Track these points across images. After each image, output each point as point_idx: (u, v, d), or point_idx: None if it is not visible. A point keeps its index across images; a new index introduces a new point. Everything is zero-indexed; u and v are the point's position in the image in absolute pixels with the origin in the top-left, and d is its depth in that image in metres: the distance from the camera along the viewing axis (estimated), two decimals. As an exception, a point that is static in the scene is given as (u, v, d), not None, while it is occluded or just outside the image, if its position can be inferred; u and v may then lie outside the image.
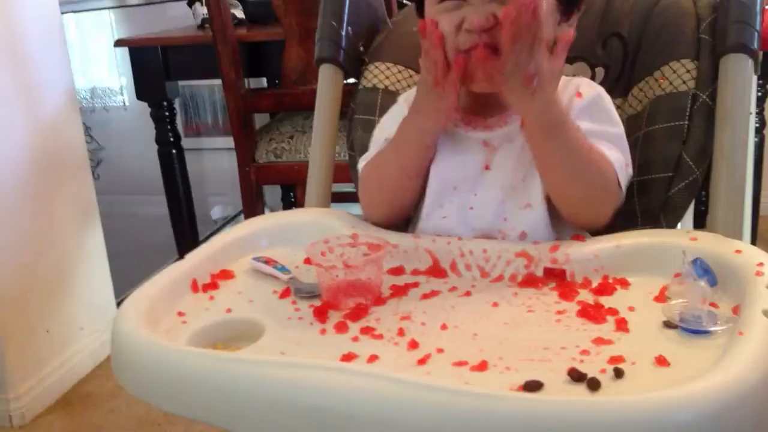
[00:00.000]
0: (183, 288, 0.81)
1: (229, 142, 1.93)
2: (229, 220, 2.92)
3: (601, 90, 0.89)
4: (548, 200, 0.85)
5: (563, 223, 0.86)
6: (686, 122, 0.90)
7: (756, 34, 0.86)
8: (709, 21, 0.91)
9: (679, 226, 0.94)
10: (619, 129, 0.87)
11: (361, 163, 0.95)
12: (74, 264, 1.86)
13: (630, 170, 0.86)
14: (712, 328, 0.66)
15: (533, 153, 0.83)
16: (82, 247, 1.89)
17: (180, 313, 0.77)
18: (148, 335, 0.69)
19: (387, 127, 0.93)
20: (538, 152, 0.82)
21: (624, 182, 0.84)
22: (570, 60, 0.99)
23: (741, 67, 0.87)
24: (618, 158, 0.83)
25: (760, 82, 1.66)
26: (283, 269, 0.85)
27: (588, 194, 0.82)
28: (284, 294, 0.81)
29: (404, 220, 0.94)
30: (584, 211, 0.84)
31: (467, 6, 0.82)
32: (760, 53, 0.88)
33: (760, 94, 1.68)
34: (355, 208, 1.01)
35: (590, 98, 0.86)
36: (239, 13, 2.11)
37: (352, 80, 1.11)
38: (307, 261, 0.85)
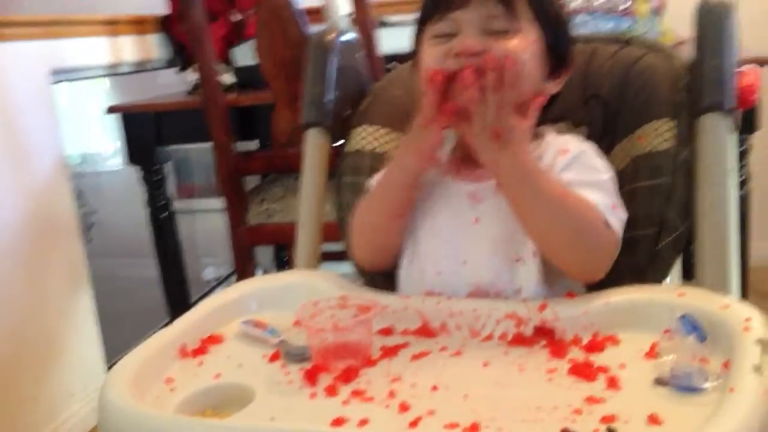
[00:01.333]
0: (171, 354, 0.80)
1: (221, 203, 1.94)
2: (221, 281, 2.91)
3: (588, 146, 0.90)
4: (540, 255, 0.85)
5: (559, 278, 0.87)
6: (668, 180, 0.91)
7: (730, 94, 0.89)
8: (685, 82, 0.94)
9: (667, 280, 0.95)
10: (605, 175, 0.87)
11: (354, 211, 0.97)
12: (64, 329, 1.85)
13: (622, 213, 0.86)
14: (703, 385, 0.66)
15: (512, 209, 0.84)
16: (73, 311, 1.88)
17: (169, 380, 0.76)
18: (135, 405, 0.68)
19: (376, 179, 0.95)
20: (515, 206, 0.83)
21: (616, 224, 0.84)
22: (554, 120, 1.01)
23: (717, 126, 0.89)
24: (602, 199, 0.83)
25: (742, 136, 1.69)
26: (272, 332, 0.85)
27: (574, 240, 0.82)
28: (274, 357, 0.81)
29: (392, 266, 0.94)
30: (574, 259, 0.83)
31: (457, 38, 0.85)
32: (737, 111, 0.90)
33: (743, 148, 1.71)
34: (345, 267, 1.01)
35: (574, 154, 0.88)
36: (229, 78, 2.15)
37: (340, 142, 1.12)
38: (297, 323, 0.85)
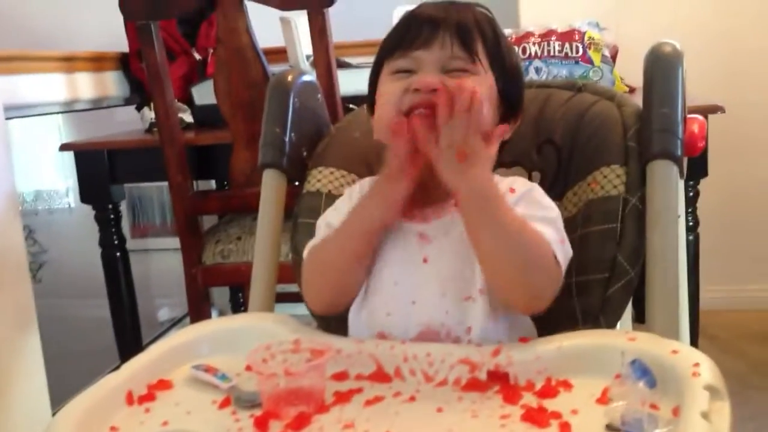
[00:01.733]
0: (117, 401, 0.78)
1: (177, 242, 1.91)
2: (176, 322, 2.86)
3: (535, 186, 0.91)
4: (489, 293, 0.85)
5: (504, 313, 0.86)
6: (618, 225, 0.93)
7: (678, 141, 0.91)
8: (635, 129, 0.96)
9: (618, 325, 0.96)
10: (553, 212, 0.88)
11: (306, 250, 0.95)
12: (8, 372, 1.78)
13: (568, 248, 0.86)
14: None
15: (467, 230, 0.84)
16: (18, 353, 1.82)
17: (113, 428, 0.74)
18: (77, 454, 0.66)
19: (330, 218, 0.95)
20: (472, 228, 0.83)
21: (562, 258, 0.84)
22: (508, 165, 1.02)
23: (666, 173, 0.91)
24: (552, 234, 0.84)
25: (691, 183, 1.74)
26: (223, 377, 0.83)
27: (525, 269, 0.81)
28: (224, 404, 0.79)
29: (346, 309, 0.93)
30: (522, 291, 0.83)
31: (416, 75, 0.86)
32: (684, 159, 0.93)
33: (691, 194, 1.75)
34: (300, 309, 1.00)
35: (522, 192, 0.89)
36: (187, 117, 2.13)
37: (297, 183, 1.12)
38: (249, 368, 0.83)
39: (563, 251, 0.85)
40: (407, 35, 0.88)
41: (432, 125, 0.82)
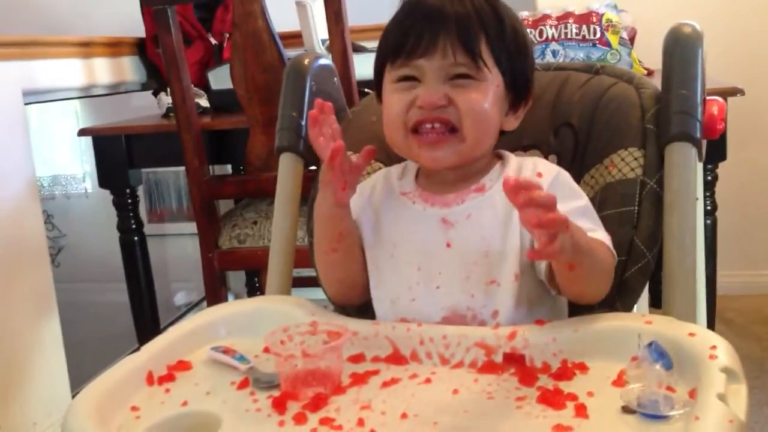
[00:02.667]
0: (138, 381, 0.79)
1: (193, 227, 1.92)
2: (192, 307, 2.88)
3: (560, 169, 0.92)
4: (522, 277, 0.85)
5: (541, 300, 0.87)
6: (636, 208, 0.92)
7: (698, 123, 0.90)
8: (653, 111, 0.95)
9: (635, 308, 0.96)
10: (585, 199, 0.90)
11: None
12: (29, 356, 1.81)
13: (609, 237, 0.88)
14: (669, 413, 0.66)
15: (558, 272, 0.81)
16: (38, 338, 1.84)
17: (134, 408, 0.75)
18: (98, 432, 0.67)
19: None
20: (565, 270, 0.80)
21: (612, 245, 0.86)
22: (525, 148, 1.02)
23: (685, 155, 0.90)
24: (605, 235, 0.86)
25: (709, 166, 1.72)
26: (241, 359, 0.84)
27: (600, 282, 0.85)
28: (242, 385, 0.80)
29: (363, 300, 0.94)
30: (599, 291, 0.85)
31: (420, 86, 0.86)
32: (703, 141, 0.92)
33: (710, 177, 1.74)
34: (317, 293, 1.01)
35: (551, 178, 0.89)
36: (204, 102, 2.14)
37: (314, 167, 1.12)
38: (267, 350, 0.84)
39: (609, 241, 0.86)
40: (407, 41, 0.85)
41: (436, 141, 0.85)
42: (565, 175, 0.91)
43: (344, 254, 0.92)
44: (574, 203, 0.87)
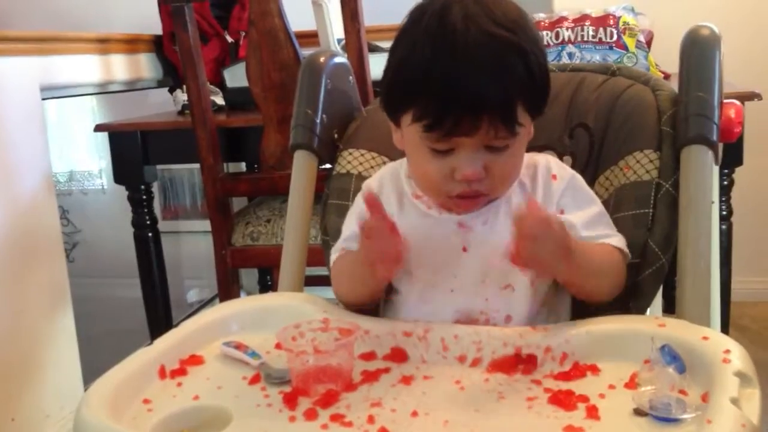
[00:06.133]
0: (150, 375, 0.79)
1: (207, 225, 1.93)
2: (204, 304, 2.89)
3: (574, 173, 0.92)
4: (537, 283, 0.86)
5: (555, 307, 0.88)
6: (651, 210, 0.92)
7: (714, 126, 0.90)
8: (670, 114, 0.95)
9: (648, 311, 0.95)
10: (599, 204, 0.91)
11: (333, 255, 0.96)
12: (43, 349, 1.82)
13: (620, 236, 0.89)
14: (681, 416, 0.66)
15: (560, 280, 0.86)
16: (52, 331, 1.86)
17: (146, 401, 0.76)
18: (111, 425, 0.67)
19: (350, 221, 0.96)
20: (564, 280, 0.86)
21: (624, 248, 0.88)
22: (539, 148, 1.02)
23: (701, 159, 0.90)
24: (620, 240, 0.88)
25: (725, 171, 1.71)
26: (253, 354, 0.84)
27: (609, 286, 0.87)
28: (254, 380, 0.80)
29: (373, 301, 0.94)
30: (606, 294, 0.87)
31: (457, 156, 0.81)
32: (720, 144, 0.91)
33: (725, 182, 1.72)
34: (329, 292, 1.01)
35: (566, 181, 0.89)
36: (219, 100, 2.15)
37: (327, 165, 1.13)
38: (278, 346, 0.85)
39: (623, 243, 0.88)
40: (445, 121, 0.78)
41: (472, 205, 0.86)
42: (579, 180, 0.91)
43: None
44: (589, 210, 0.88)
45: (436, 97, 0.79)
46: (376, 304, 0.94)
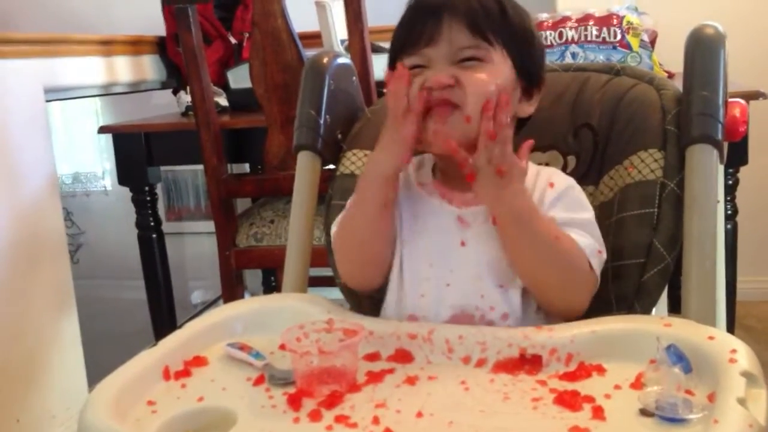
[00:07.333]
0: (154, 376, 0.79)
1: (210, 226, 1.93)
2: (208, 305, 2.89)
3: (572, 181, 0.92)
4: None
5: (539, 309, 0.87)
6: (655, 209, 0.92)
7: (719, 125, 0.89)
8: (674, 113, 0.94)
9: (653, 311, 0.95)
10: (590, 214, 0.89)
11: (334, 227, 0.96)
12: (47, 350, 1.82)
13: (603, 255, 0.87)
14: (687, 416, 0.65)
15: (504, 245, 0.85)
16: (57, 332, 1.86)
17: (150, 402, 0.76)
18: (115, 427, 0.67)
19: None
20: (510, 243, 0.85)
21: (597, 267, 0.86)
22: (543, 149, 1.01)
23: (706, 158, 0.89)
24: (589, 244, 0.85)
25: (730, 170, 1.70)
26: (257, 355, 0.84)
27: (561, 281, 0.84)
28: (258, 381, 0.80)
29: (378, 284, 0.93)
30: (559, 298, 0.85)
31: (429, 70, 0.86)
32: (725, 144, 0.91)
33: (730, 182, 1.72)
34: (333, 293, 1.01)
35: (562, 189, 0.89)
36: (223, 101, 2.15)
37: (331, 166, 1.13)
38: (283, 347, 0.84)
39: (599, 260, 0.86)
40: (412, 32, 0.87)
41: (441, 113, 0.85)
42: (576, 189, 0.91)
43: (388, 228, 0.90)
44: (574, 214, 0.87)
45: (406, 18, 0.89)
46: (378, 279, 0.93)
